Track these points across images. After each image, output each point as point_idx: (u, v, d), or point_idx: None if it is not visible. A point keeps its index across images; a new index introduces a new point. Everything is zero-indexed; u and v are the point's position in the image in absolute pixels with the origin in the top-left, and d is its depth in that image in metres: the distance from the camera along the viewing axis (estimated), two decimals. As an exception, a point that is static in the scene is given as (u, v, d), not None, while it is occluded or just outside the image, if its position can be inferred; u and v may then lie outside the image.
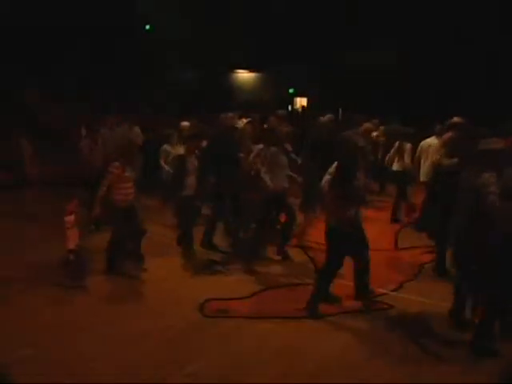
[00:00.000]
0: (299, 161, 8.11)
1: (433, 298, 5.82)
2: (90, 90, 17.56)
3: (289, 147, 7.91)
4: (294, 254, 7.30)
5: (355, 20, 20.49)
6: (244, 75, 26.45)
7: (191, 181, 6.87)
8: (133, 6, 22.35)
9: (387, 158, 9.49)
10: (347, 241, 5.29)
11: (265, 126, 9.53)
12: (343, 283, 6.35)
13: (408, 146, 9.10)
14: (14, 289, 5.85)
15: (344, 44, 21.29)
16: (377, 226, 8.37)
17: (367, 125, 9.44)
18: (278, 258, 7.16)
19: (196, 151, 7.20)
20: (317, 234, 8.15)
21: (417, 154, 8.45)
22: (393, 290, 6.14)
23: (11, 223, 8.45)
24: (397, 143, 9.26)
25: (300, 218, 7.81)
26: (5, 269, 6.38)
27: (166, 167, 8.64)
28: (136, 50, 21.44)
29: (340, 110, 22.02)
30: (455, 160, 6.18)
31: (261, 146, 7.30)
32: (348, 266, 6.98)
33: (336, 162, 5.43)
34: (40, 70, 17.54)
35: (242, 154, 7.52)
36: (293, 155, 7.95)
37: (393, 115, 12.72)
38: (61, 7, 18.80)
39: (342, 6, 20.77)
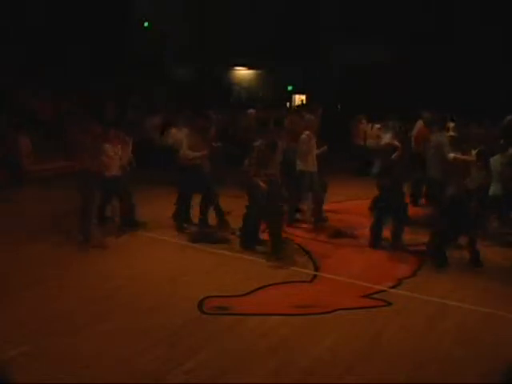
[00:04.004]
0: None
1: (432, 295, 5.82)
2: (89, 90, 17.52)
3: None
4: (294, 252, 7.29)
5: (355, 19, 20.51)
6: (243, 72, 26.39)
7: None
8: (133, 5, 22.36)
9: None
10: None
11: None
12: (340, 280, 6.36)
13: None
14: (11, 286, 5.86)
15: (344, 42, 21.32)
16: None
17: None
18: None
19: None
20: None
21: None
22: (392, 287, 6.11)
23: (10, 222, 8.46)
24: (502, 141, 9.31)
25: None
26: (2, 266, 6.41)
27: None
28: (136, 49, 21.43)
29: (339, 106, 22.10)
30: None
31: None
32: (347, 264, 7.00)
33: None
34: (40, 70, 17.52)
35: None
36: None
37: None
38: (60, 7, 18.78)
39: (342, 4, 20.81)
